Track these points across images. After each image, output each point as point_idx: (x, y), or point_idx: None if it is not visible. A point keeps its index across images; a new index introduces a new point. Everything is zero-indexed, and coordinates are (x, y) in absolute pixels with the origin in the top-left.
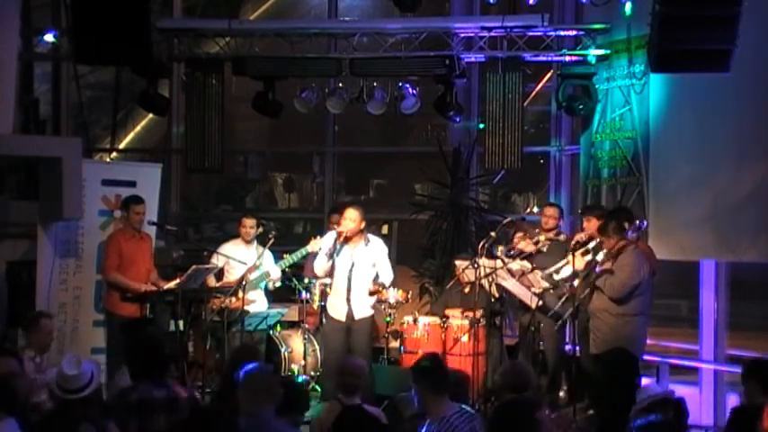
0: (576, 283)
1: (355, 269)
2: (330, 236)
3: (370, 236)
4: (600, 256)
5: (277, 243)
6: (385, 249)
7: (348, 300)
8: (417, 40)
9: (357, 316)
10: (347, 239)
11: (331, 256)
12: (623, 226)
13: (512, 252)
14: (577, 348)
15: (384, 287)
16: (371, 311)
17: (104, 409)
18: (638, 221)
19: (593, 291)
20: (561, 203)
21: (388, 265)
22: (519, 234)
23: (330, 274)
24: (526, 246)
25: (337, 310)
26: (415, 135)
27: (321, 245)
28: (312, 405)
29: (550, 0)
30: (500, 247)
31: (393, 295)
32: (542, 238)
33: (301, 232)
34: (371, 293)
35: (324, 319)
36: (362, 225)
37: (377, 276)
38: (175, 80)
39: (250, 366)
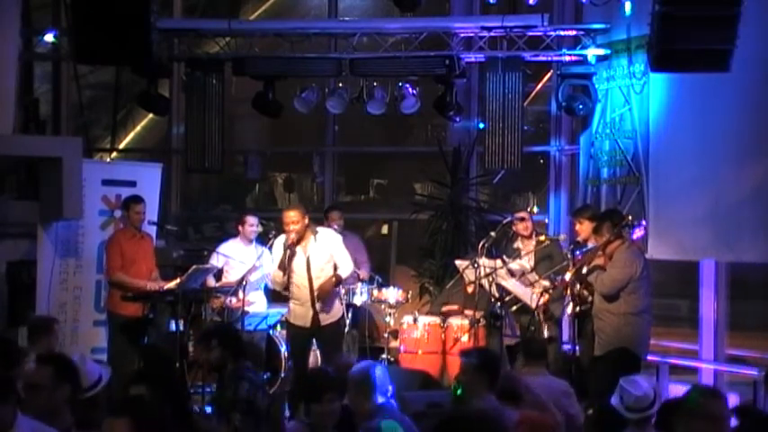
0: (567, 276)
1: (313, 268)
2: (278, 246)
3: (318, 228)
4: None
5: None
6: (338, 238)
7: (313, 303)
8: (417, 40)
9: (324, 321)
10: (297, 242)
11: (284, 268)
12: (614, 226)
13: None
14: (577, 348)
15: (340, 279)
16: (340, 314)
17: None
18: (629, 220)
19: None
20: (561, 203)
21: (344, 254)
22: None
23: (288, 283)
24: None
25: (300, 317)
26: (415, 135)
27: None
28: None
29: (550, 0)
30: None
31: (393, 295)
32: (542, 237)
33: None
34: (327, 285)
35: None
36: (306, 221)
37: (336, 269)
38: (175, 80)
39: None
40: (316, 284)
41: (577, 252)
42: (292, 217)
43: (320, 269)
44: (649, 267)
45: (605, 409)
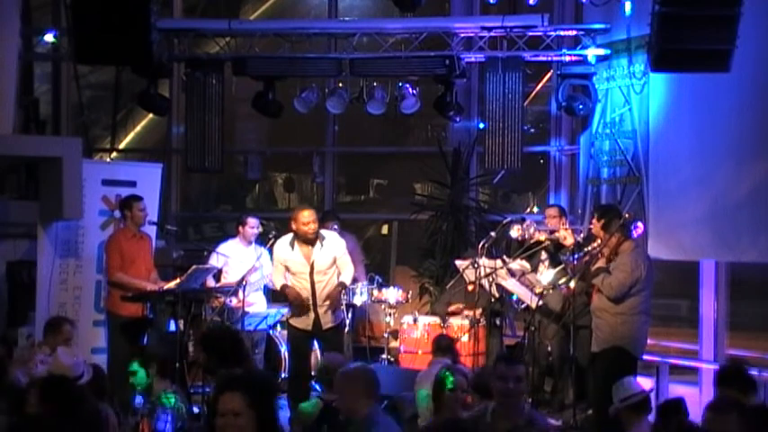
0: (572, 283)
1: (316, 275)
2: (279, 247)
3: (322, 232)
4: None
5: None
6: (342, 243)
7: (314, 307)
8: (417, 40)
9: (325, 325)
10: (307, 242)
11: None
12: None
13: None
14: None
15: (344, 287)
16: (341, 318)
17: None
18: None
19: (591, 290)
20: (561, 203)
21: (347, 259)
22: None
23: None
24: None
25: (302, 320)
26: (415, 135)
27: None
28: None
29: (550, 0)
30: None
31: (393, 295)
32: (542, 237)
33: None
34: (334, 293)
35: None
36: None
37: (338, 274)
38: (175, 80)
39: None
40: (318, 289)
41: (572, 258)
42: (310, 216)
43: (323, 273)
44: (653, 269)
45: (605, 409)
